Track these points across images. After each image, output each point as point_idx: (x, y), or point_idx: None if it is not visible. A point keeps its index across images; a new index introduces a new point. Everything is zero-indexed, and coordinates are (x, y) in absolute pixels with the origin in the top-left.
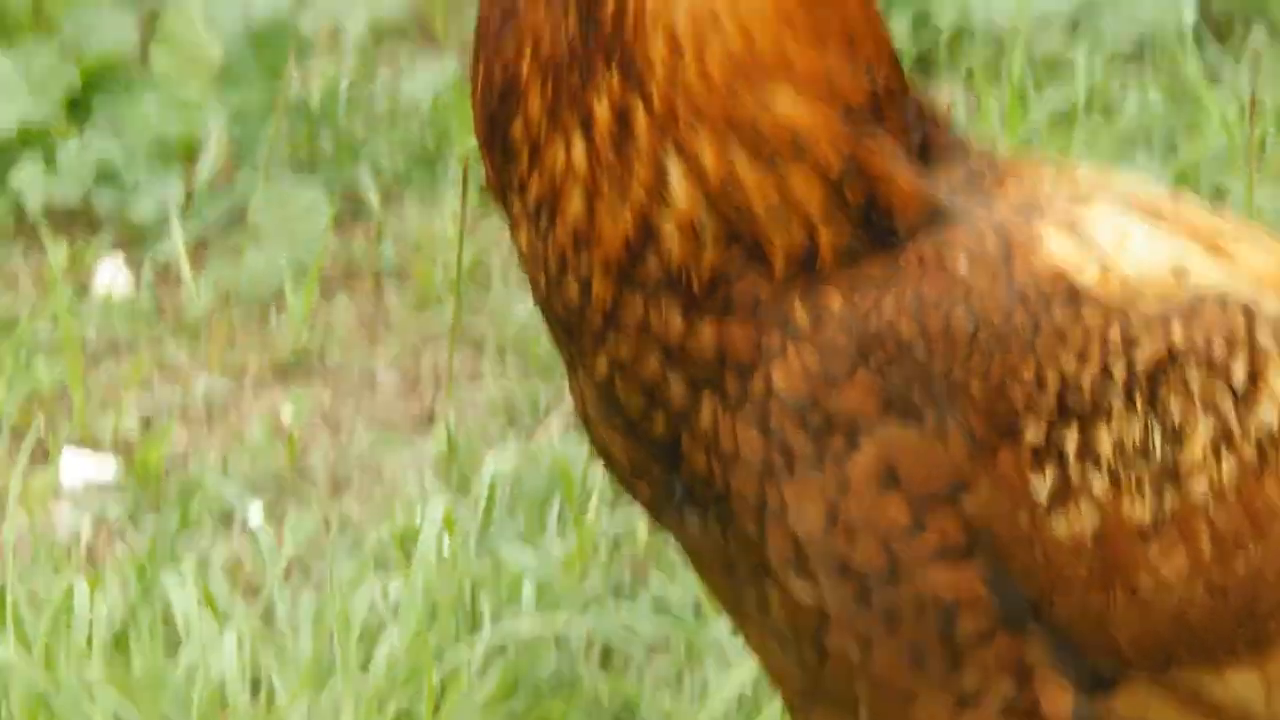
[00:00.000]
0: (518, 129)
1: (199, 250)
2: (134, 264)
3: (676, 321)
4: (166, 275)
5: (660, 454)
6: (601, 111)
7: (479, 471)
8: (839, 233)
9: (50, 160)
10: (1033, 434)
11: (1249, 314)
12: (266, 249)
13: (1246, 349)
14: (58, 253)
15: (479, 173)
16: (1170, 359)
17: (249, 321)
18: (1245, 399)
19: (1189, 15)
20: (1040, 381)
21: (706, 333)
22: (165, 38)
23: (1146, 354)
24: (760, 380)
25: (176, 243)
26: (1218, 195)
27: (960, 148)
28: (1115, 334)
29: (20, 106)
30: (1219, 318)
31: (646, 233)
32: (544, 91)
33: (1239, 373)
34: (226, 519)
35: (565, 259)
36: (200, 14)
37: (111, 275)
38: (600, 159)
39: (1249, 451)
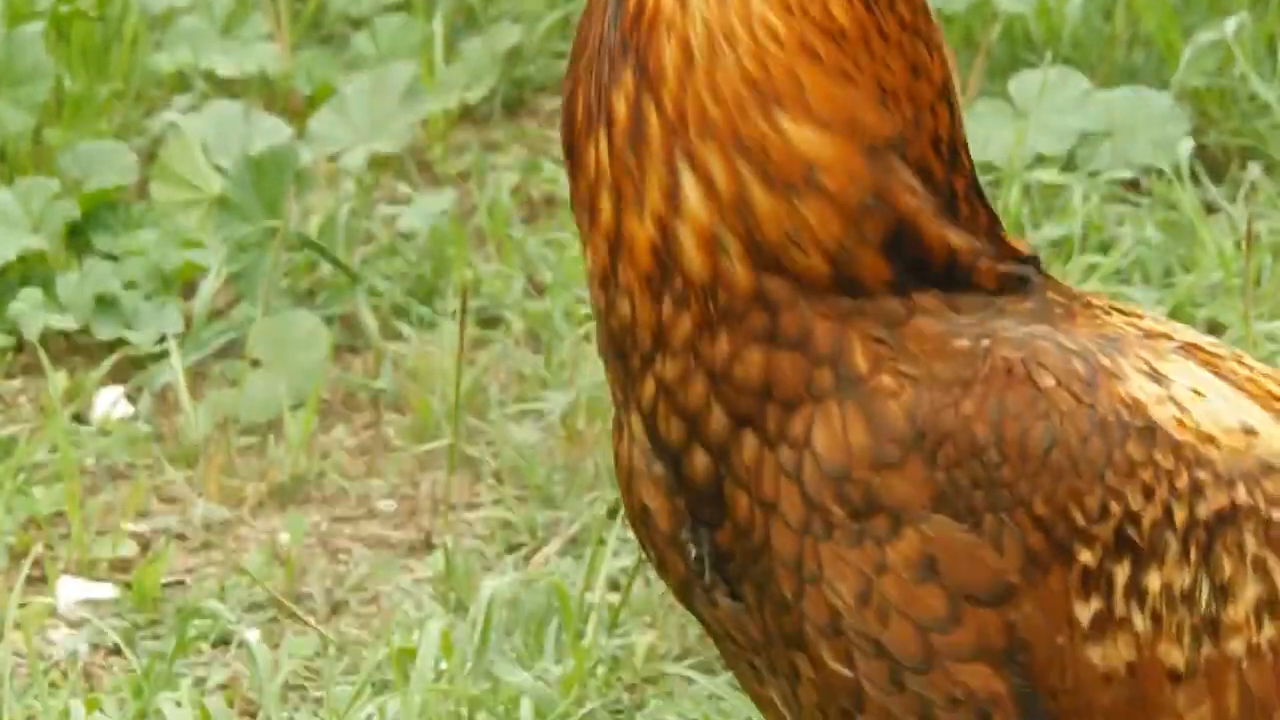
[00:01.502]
0: (570, 134)
1: (197, 378)
2: (133, 391)
3: (724, 345)
4: (165, 402)
5: (701, 507)
6: (620, 109)
7: (476, 594)
8: (872, 265)
9: (50, 290)
10: (1086, 559)
11: None
12: (265, 377)
13: None
14: (57, 380)
15: (475, 303)
16: (1231, 515)
17: (247, 448)
18: None
19: (1184, 149)
20: (1104, 511)
21: (754, 359)
22: (164, 170)
23: (1209, 506)
24: (800, 424)
25: (175, 370)
26: (1214, 329)
27: (1034, 273)
28: (1183, 480)
29: (21, 238)
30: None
31: (668, 243)
32: (586, 92)
33: None
34: (224, 641)
35: (607, 271)
36: (199, 147)
37: (110, 402)
38: (620, 159)
39: None
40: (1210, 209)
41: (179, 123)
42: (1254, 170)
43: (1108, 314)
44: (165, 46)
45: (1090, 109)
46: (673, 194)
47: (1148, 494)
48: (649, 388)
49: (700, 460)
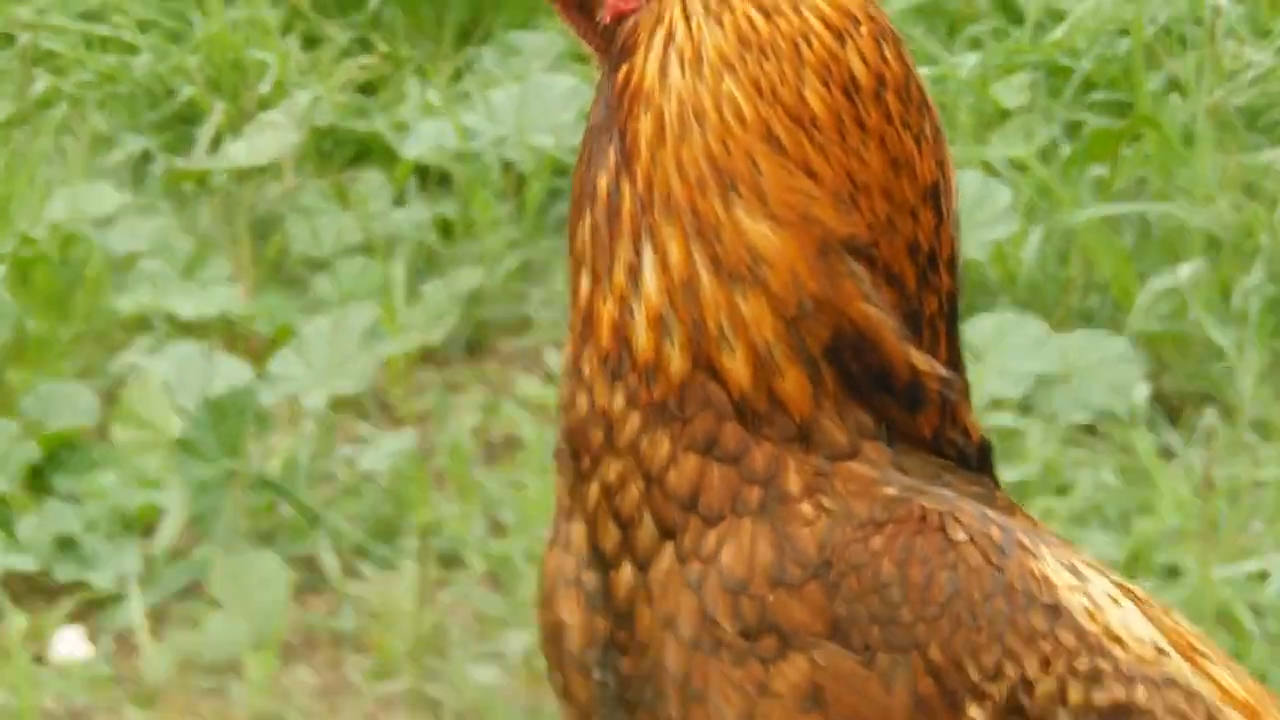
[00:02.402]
0: (570, 224)
1: (158, 619)
2: (93, 632)
3: (664, 447)
4: (125, 643)
5: (619, 629)
6: (601, 184)
7: None
8: (795, 381)
9: (9, 531)
10: (975, 714)
11: (1210, 715)
12: (225, 617)
13: None
14: (17, 621)
15: (436, 543)
16: (1126, 711)
17: (208, 690)
18: None
19: (1141, 394)
20: (998, 670)
21: (689, 466)
22: (125, 412)
23: (1106, 696)
24: (714, 539)
25: (135, 611)
26: (1171, 574)
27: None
28: (1084, 664)
29: None
30: (1183, 704)
31: (624, 321)
32: (580, 174)
33: None
34: None
35: (577, 359)
36: (160, 388)
37: (70, 643)
38: (597, 236)
39: None
40: (1167, 454)
41: (140, 364)
42: (1210, 415)
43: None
44: (127, 289)
45: (1046, 353)
46: (634, 271)
47: (1045, 665)
48: (594, 490)
49: (626, 574)
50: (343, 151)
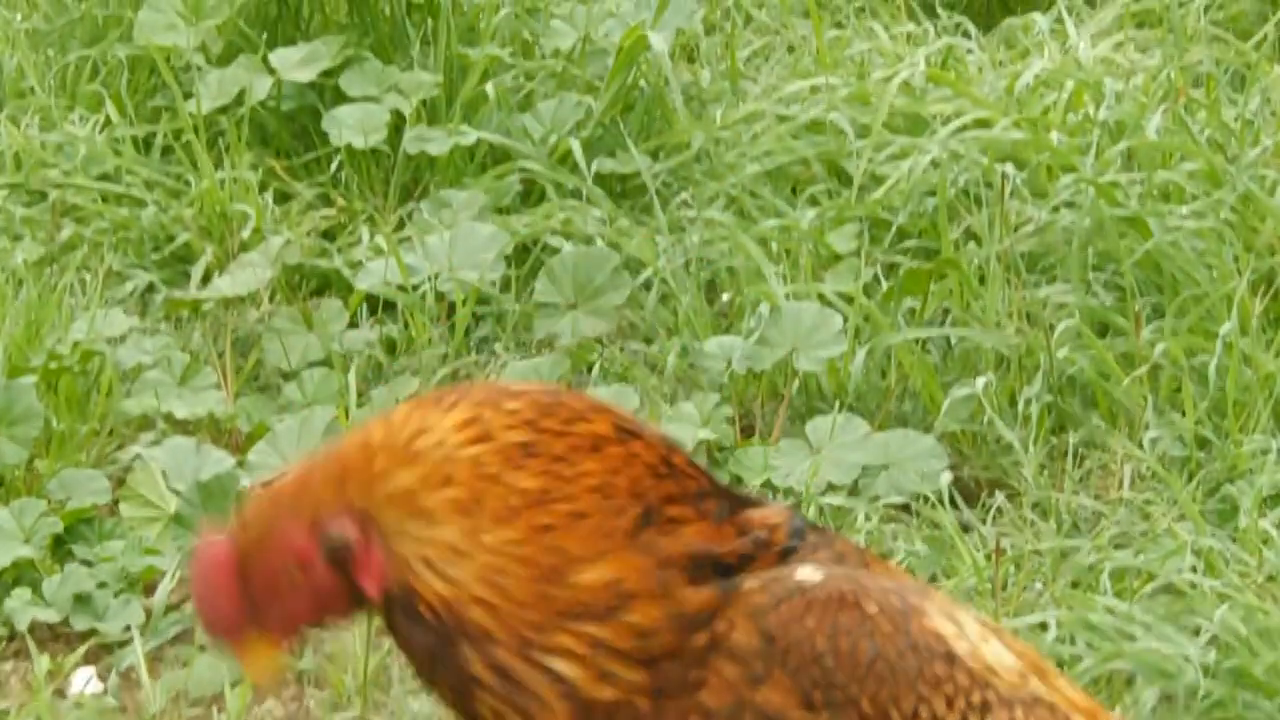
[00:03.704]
0: None
1: (155, 661)
2: (103, 671)
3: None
4: (129, 680)
5: None
6: (479, 672)
7: None
8: (694, 600)
9: (37, 590)
10: None
11: None
12: (210, 660)
13: None
14: (41, 663)
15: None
16: None
17: (195, 717)
18: None
19: (944, 480)
20: (915, 714)
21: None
22: (131, 493)
23: (995, 719)
24: (695, 716)
25: (138, 655)
26: None
27: (820, 541)
28: (976, 697)
29: (15, 549)
30: (1049, 716)
31: (578, 710)
32: (443, 691)
33: None
34: None
35: None
36: (160, 474)
37: (84, 681)
38: (507, 700)
39: None
40: (966, 528)
41: (143, 455)
42: (999, 498)
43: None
44: (134, 394)
45: (870, 447)
46: (557, 681)
47: (950, 704)
48: None
49: None
50: (308, 284)
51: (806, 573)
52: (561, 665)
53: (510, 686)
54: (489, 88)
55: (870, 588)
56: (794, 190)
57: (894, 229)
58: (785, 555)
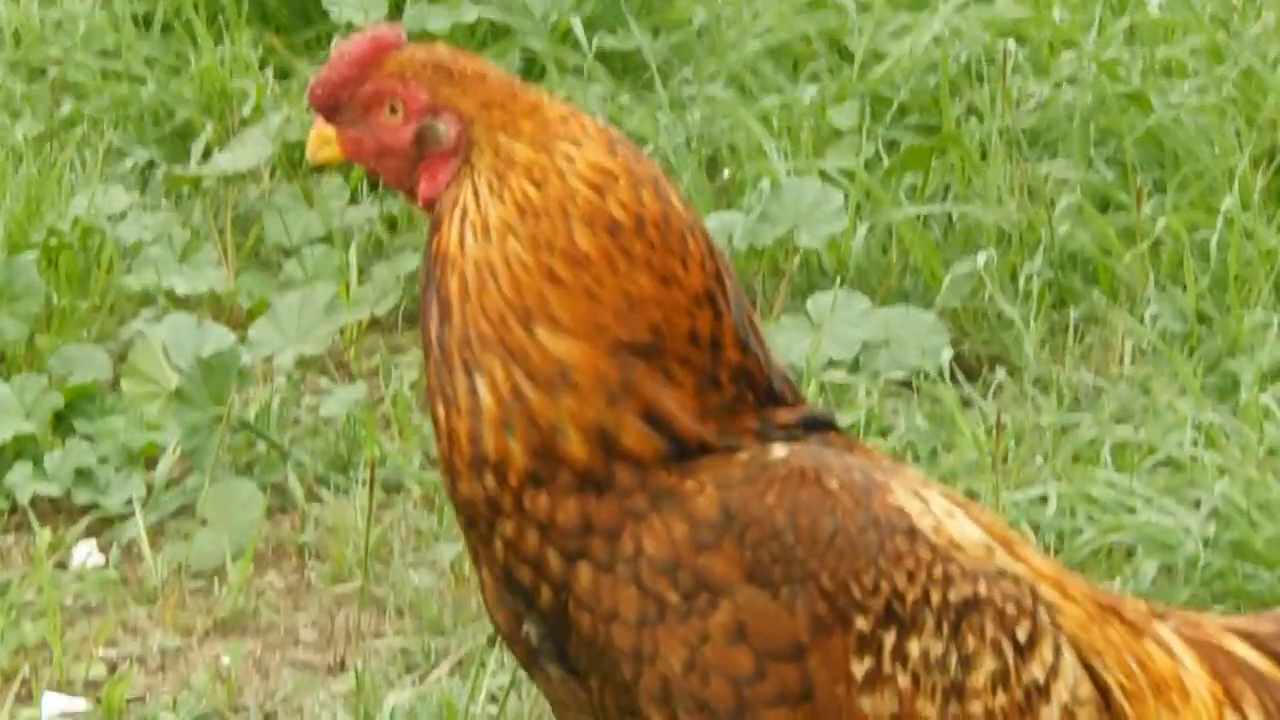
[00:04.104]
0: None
1: (157, 534)
2: (104, 545)
3: (544, 501)
4: (130, 554)
5: (552, 624)
6: (432, 332)
7: (382, 707)
8: (636, 438)
9: (39, 464)
10: (861, 625)
11: (1034, 594)
12: (211, 533)
13: (1029, 618)
14: (43, 536)
15: (382, 473)
16: (974, 603)
17: (196, 590)
18: (1022, 654)
19: (945, 357)
20: (876, 588)
21: (570, 507)
22: (133, 369)
23: (958, 594)
24: (629, 542)
25: (139, 528)
26: (969, 497)
27: (815, 422)
28: (939, 571)
29: (16, 423)
30: (1013, 589)
31: (476, 431)
32: (421, 325)
33: (1021, 634)
34: None
35: (448, 462)
36: (161, 351)
37: (86, 554)
38: (439, 372)
39: (1018, 694)
40: (966, 404)
41: (144, 331)
42: (1000, 373)
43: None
44: (134, 270)
45: (871, 324)
46: (472, 393)
47: (910, 578)
48: (499, 545)
49: (546, 594)
50: (308, 161)
51: (776, 450)
52: (482, 385)
53: (442, 368)
54: None
55: (833, 464)
56: (795, 67)
57: (895, 105)
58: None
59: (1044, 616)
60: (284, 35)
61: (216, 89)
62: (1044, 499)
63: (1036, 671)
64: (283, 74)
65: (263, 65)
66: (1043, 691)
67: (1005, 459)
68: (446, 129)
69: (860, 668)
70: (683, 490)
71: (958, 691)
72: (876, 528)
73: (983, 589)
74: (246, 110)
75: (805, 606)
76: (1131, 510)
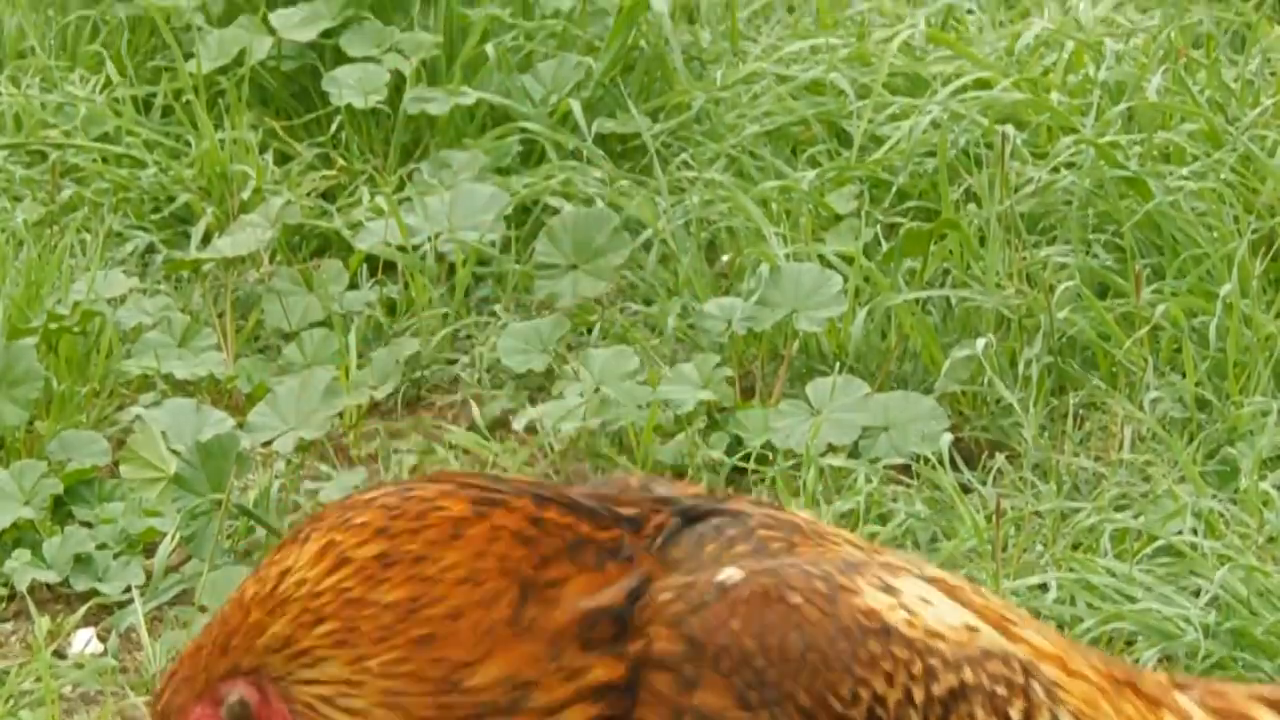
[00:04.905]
0: None
1: (155, 621)
2: (103, 632)
3: None
4: (129, 641)
5: None
6: None
7: None
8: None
9: (38, 551)
10: None
11: (1026, 670)
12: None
13: (1022, 697)
14: (42, 623)
15: None
16: (960, 692)
17: None
18: None
19: (945, 442)
20: (854, 697)
21: None
22: (132, 454)
23: (941, 686)
24: None
25: (138, 615)
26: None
27: (733, 530)
28: (918, 667)
29: (15, 509)
30: (1001, 668)
31: None
32: None
33: (1015, 714)
34: None
35: None
36: (160, 435)
37: (84, 641)
38: None
39: None
40: (966, 490)
41: (143, 416)
42: (999, 459)
43: (837, 544)
44: (134, 355)
45: (870, 408)
46: None
47: (889, 680)
48: None
49: None
50: (308, 245)
51: (728, 573)
52: None
53: None
54: (489, 48)
55: (792, 577)
56: (794, 151)
57: (894, 189)
58: (665, 545)
59: (1039, 692)
60: (284, 119)
61: (216, 173)
62: (1044, 587)
63: None
64: (283, 158)
65: (263, 149)
66: None
67: (1005, 546)
68: (239, 693)
69: None
70: (639, 654)
71: None
72: (847, 636)
73: (968, 675)
74: (246, 194)
75: None
76: (1132, 599)
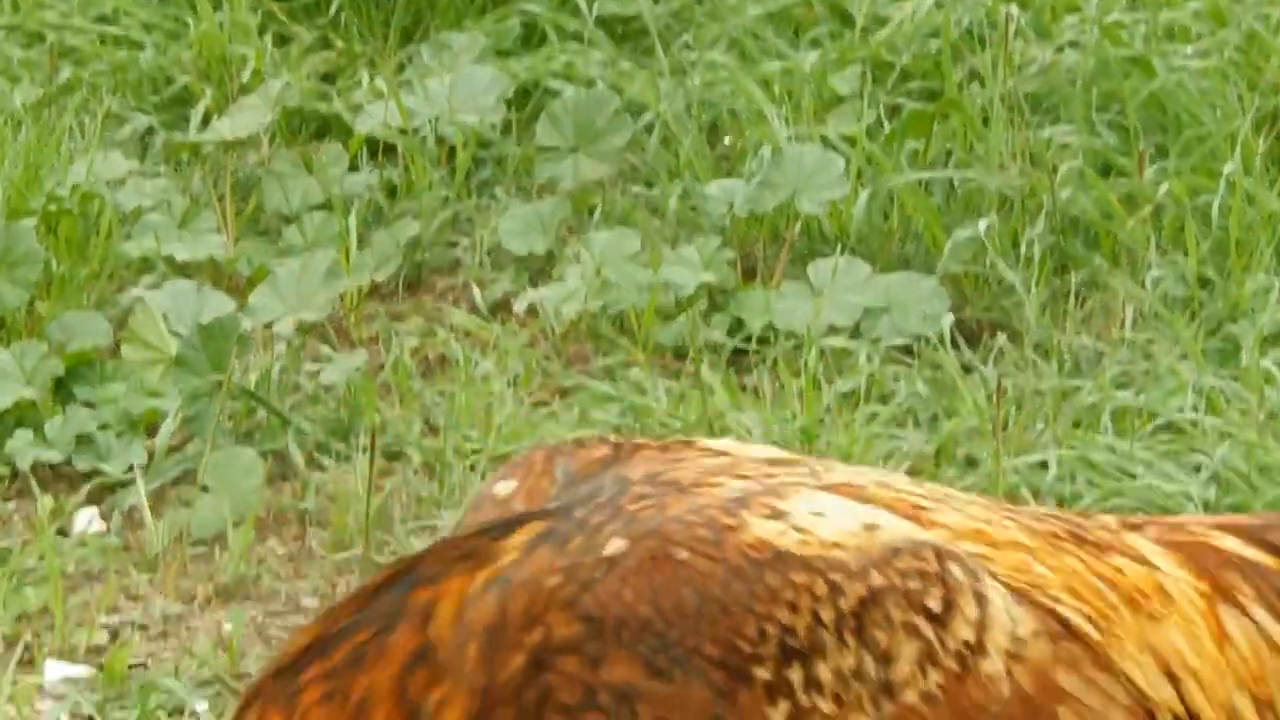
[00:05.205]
0: None
1: (158, 501)
2: (105, 511)
3: None
4: (131, 520)
5: None
6: None
7: None
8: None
9: (39, 431)
10: (763, 675)
11: (940, 555)
12: (212, 500)
13: (939, 582)
14: (44, 503)
15: (382, 441)
16: (870, 598)
17: (198, 556)
18: (942, 622)
19: (946, 322)
20: (762, 635)
21: None
22: (133, 336)
23: (850, 598)
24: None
25: (140, 495)
26: (970, 464)
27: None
28: (820, 587)
29: (16, 390)
30: (911, 561)
31: None
32: None
33: (934, 603)
34: (179, 711)
35: None
36: (161, 317)
37: (87, 521)
38: None
39: (950, 663)
40: (967, 369)
41: (144, 298)
42: (1001, 339)
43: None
44: (134, 237)
45: (872, 290)
46: None
47: (793, 608)
48: None
49: None
50: (308, 128)
51: (613, 546)
52: None
53: None
54: None
55: (674, 533)
56: (796, 32)
57: (897, 70)
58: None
59: (957, 574)
60: (283, 0)
61: (215, 55)
62: (1044, 464)
63: (964, 632)
64: (282, 40)
65: (261, 31)
66: (977, 648)
67: (1006, 425)
68: None
69: (779, 713)
70: (538, 646)
71: (887, 690)
72: (739, 576)
73: (876, 579)
74: (245, 76)
75: (702, 681)
76: (1132, 475)
